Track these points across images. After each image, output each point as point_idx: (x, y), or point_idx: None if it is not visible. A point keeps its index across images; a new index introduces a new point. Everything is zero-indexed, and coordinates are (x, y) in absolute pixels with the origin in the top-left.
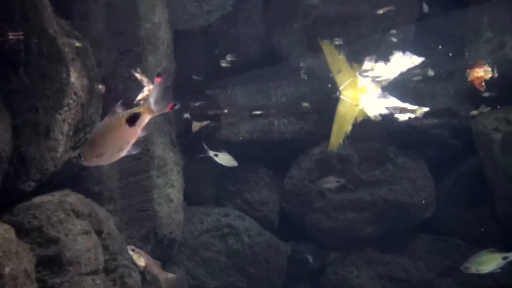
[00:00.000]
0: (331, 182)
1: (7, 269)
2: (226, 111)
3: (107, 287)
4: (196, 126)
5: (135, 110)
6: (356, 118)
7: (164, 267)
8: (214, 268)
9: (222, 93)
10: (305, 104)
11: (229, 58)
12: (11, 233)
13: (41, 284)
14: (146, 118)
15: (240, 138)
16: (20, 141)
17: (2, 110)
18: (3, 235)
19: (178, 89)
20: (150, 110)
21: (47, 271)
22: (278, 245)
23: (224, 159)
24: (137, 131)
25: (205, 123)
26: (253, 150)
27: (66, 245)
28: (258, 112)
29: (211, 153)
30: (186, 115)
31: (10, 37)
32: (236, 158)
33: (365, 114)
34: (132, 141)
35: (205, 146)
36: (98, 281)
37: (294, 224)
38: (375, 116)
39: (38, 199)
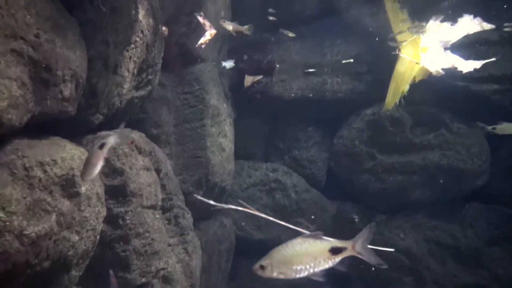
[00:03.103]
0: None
1: (83, 189)
2: (278, 66)
3: (163, 224)
4: (248, 80)
5: None
6: (414, 77)
7: (212, 216)
8: (260, 221)
9: (277, 48)
10: (347, 61)
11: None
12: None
13: (107, 212)
14: None
15: (292, 95)
16: (91, 73)
17: (79, 39)
18: (80, 157)
19: (233, 42)
20: None
21: (112, 200)
22: (324, 203)
23: (506, 128)
24: None
25: (257, 78)
26: (304, 108)
27: (130, 177)
28: (311, 70)
29: (489, 128)
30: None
31: None
32: (286, 115)
33: (424, 74)
34: None
35: (481, 124)
36: (157, 216)
37: (341, 184)
38: (437, 71)
39: (103, 133)
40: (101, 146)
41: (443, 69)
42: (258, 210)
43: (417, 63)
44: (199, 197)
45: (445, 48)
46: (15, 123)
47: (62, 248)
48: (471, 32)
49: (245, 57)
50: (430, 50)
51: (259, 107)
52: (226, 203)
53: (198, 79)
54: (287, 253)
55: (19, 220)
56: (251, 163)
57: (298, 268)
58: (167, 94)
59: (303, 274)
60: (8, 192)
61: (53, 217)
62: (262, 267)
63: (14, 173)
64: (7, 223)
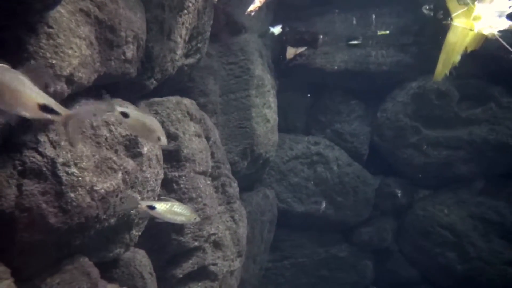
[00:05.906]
0: None
1: (145, 149)
2: (321, 36)
3: (213, 191)
4: (290, 52)
5: None
6: (466, 48)
7: (254, 187)
8: (302, 194)
9: (320, 20)
10: (383, 32)
11: None
12: None
13: None
14: None
15: (335, 67)
16: (148, 36)
17: (139, 1)
18: None
19: (277, 13)
20: None
21: (167, 164)
22: (366, 177)
23: None
24: None
25: (300, 50)
26: (347, 80)
27: (184, 142)
28: (355, 42)
29: None
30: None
31: None
32: (329, 88)
33: (477, 43)
34: None
35: None
36: (208, 182)
37: (384, 158)
38: (492, 33)
39: (157, 99)
40: None
41: (499, 31)
42: (299, 183)
43: (471, 30)
44: None
45: (500, 17)
46: (84, 81)
47: None
48: None
49: (287, 28)
50: (484, 17)
51: (301, 79)
52: (268, 175)
53: (243, 49)
54: None
55: (89, 176)
56: (293, 136)
57: None
58: (213, 63)
59: None
60: (79, 149)
61: (119, 175)
62: None
63: (83, 131)
64: (80, 178)
